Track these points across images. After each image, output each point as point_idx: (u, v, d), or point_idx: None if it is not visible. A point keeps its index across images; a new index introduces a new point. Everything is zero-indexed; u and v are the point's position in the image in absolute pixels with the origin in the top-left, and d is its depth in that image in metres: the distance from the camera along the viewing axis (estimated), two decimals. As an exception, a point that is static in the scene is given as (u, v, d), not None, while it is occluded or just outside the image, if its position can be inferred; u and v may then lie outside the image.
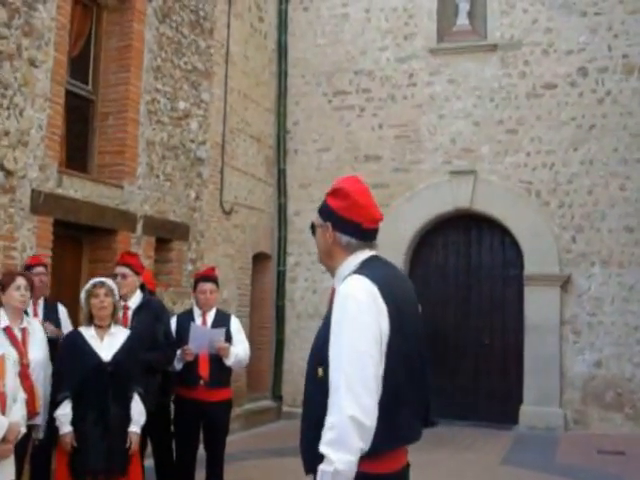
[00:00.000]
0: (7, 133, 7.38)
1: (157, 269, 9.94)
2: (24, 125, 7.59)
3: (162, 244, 10.03)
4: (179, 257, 10.34)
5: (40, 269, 6.79)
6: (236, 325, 7.09)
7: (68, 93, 8.70)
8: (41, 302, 6.76)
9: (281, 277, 13.32)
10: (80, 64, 9.15)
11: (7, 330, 5.26)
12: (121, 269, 6.55)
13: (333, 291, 3.09)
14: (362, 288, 2.87)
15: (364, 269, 2.97)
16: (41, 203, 7.75)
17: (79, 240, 8.99)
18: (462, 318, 12.82)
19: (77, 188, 8.38)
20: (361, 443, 2.73)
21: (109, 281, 5.85)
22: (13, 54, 7.44)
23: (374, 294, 2.86)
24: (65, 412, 5.35)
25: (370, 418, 2.75)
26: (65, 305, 7.18)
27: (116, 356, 5.49)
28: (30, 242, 7.65)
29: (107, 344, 5.52)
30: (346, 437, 2.71)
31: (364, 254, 3.07)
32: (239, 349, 6.86)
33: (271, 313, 13.29)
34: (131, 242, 9.24)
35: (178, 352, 6.66)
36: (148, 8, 9.59)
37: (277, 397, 13.02)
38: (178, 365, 6.73)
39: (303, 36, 13.61)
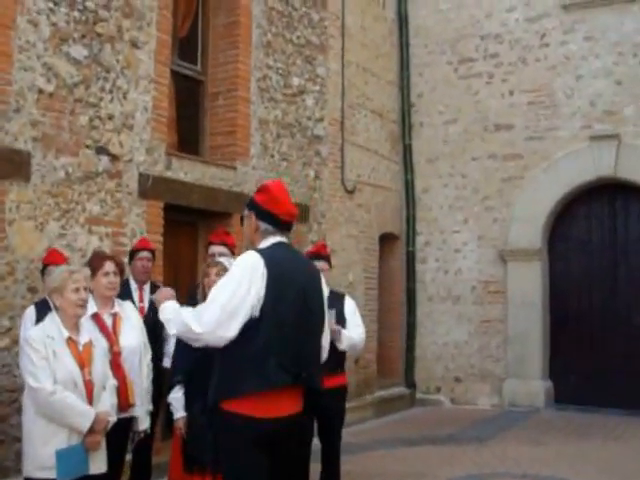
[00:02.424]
0: (111, 117, 7.23)
1: (277, 252, 9.68)
2: (128, 108, 7.42)
3: (281, 226, 9.72)
4: (299, 239, 10.01)
5: (144, 254, 6.61)
6: (351, 307, 6.63)
7: (176, 75, 8.55)
8: (147, 287, 6.58)
9: (410, 258, 12.74)
10: (188, 45, 8.96)
11: (96, 317, 4.98)
12: (218, 248, 6.24)
13: None
14: (248, 258, 3.72)
15: (264, 249, 3.77)
16: (149, 187, 7.58)
17: (194, 224, 8.82)
18: (609, 296, 11.79)
19: (187, 171, 8.18)
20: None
21: (225, 260, 5.49)
22: (114, 36, 7.27)
23: (257, 263, 3.67)
24: (177, 396, 5.11)
25: (203, 328, 3.67)
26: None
27: None
28: (140, 227, 7.50)
29: None
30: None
31: (274, 239, 3.84)
32: (353, 333, 6.39)
33: (401, 296, 12.76)
34: (247, 225, 8.98)
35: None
36: (255, -17, 9.28)
37: (410, 384, 12.51)
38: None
39: (424, 3, 12.94)
